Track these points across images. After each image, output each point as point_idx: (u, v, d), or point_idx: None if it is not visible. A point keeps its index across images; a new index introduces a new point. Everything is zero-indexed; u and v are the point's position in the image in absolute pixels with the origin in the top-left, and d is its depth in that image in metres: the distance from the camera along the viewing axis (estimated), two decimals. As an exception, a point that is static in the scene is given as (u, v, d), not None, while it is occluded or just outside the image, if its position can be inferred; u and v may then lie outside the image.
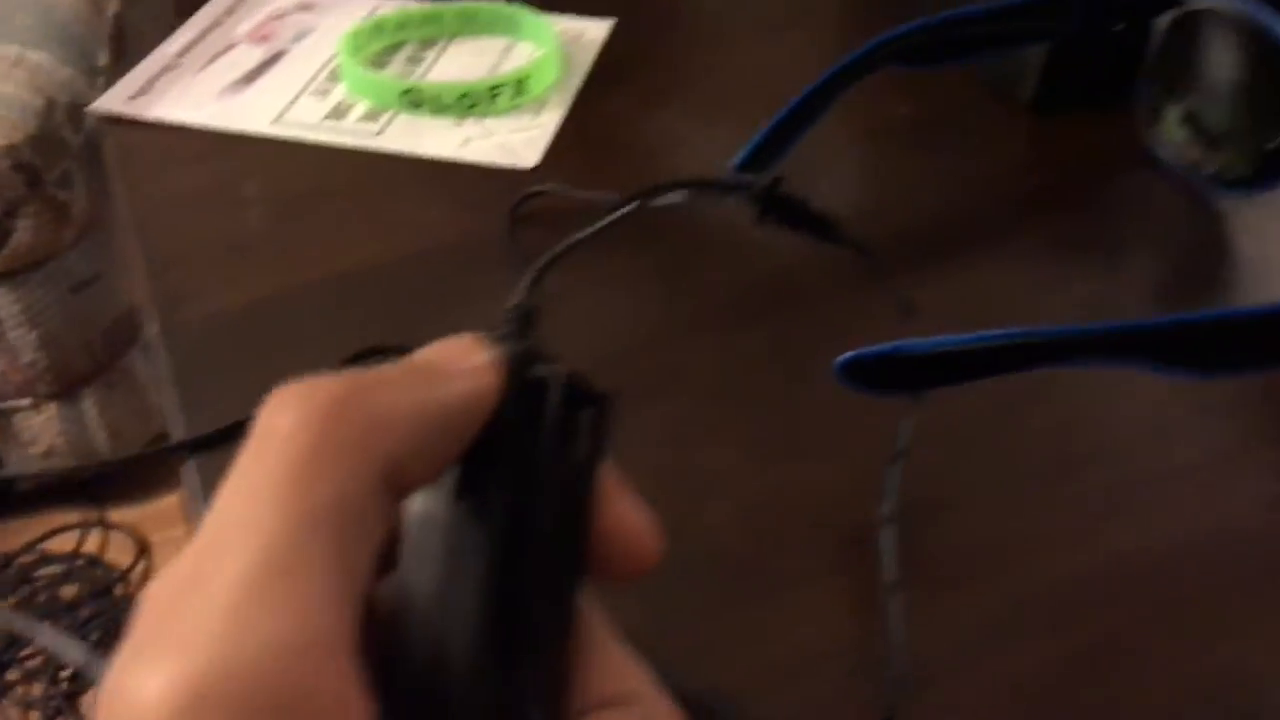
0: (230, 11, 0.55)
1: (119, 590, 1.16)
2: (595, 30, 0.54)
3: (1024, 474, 0.34)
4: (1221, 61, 0.41)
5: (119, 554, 1.18)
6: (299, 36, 0.53)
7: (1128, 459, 0.34)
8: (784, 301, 0.39)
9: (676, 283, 0.41)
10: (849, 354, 0.30)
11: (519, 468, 0.18)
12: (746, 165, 0.40)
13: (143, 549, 1.19)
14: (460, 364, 0.18)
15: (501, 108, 0.49)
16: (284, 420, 0.16)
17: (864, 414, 0.34)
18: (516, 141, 0.47)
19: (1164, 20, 0.42)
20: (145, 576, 1.17)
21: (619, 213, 0.27)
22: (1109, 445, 0.35)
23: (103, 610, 1.14)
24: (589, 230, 0.25)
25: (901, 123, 0.48)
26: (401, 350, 0.43)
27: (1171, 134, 0.44)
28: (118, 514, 1.21)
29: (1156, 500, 0.33)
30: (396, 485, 0.17)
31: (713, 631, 0.30)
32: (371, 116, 0.48)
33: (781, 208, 0.35)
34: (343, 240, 0.43)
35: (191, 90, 0.50)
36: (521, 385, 0.19)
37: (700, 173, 0.44)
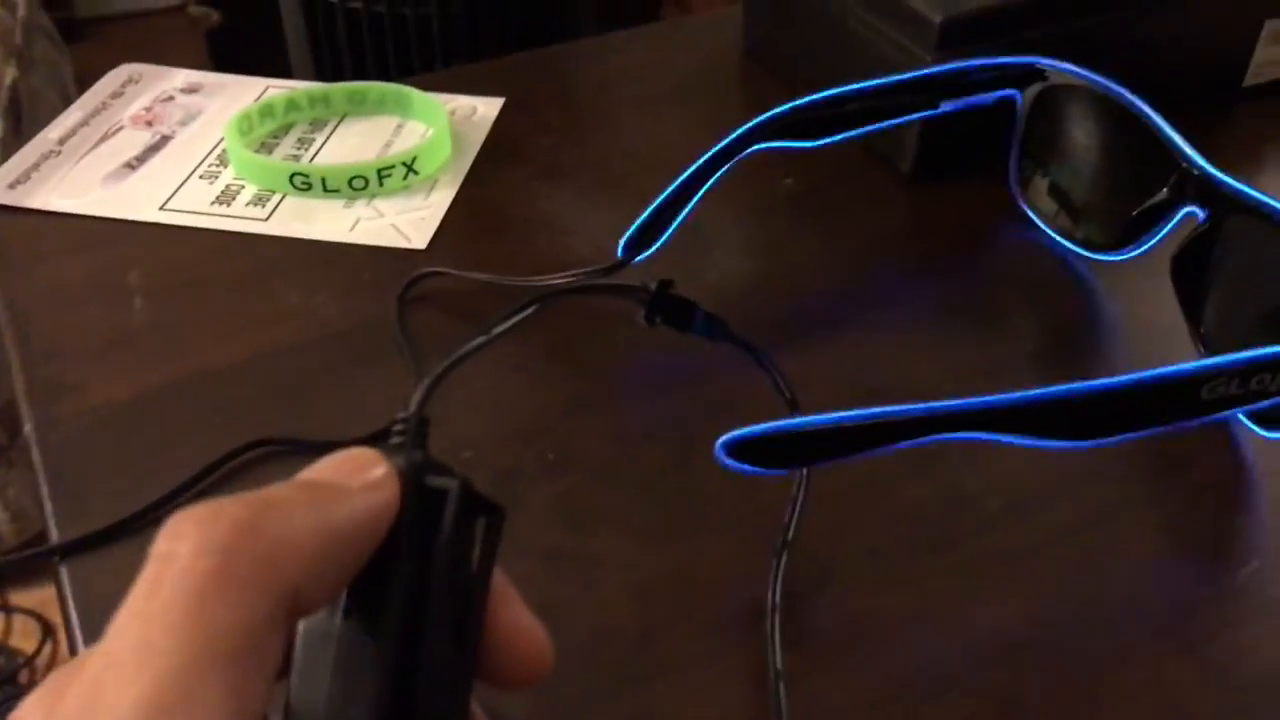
0: (116, 95, 0.55)
1: (23, 677, 1.12)
2: (486, 108, 0.54)
3: (905, 545, 0.34)
4: (1081, 133, 0.43)
5: (22, 639, 1.14)
6: (186, 120, 0.53)
7: (1012, 522, 0.35)
8: (674, 381, 0.40)
9: (567, 363, 0.41)
10: (729, 434, 0.30)
11: (414, 580, 0.18)
12: (631, 245, 0.41)
13: (48, 633, 1.15)
14: (358, 479, 0.18)
15: (392, 189, 0.49)
16: (183, 548, 0.16)
17: (753, 492, 0.34)
18: (406, 223, 0.47)
19: (1029, 93, 0.44)
20: (51, 662, 1.13)
21: (515, 318, 0.27)
22: (989, 512, 0.35)
23: (7, 699, 1.09)
24: (484, 339, 0.26)
25: (785, 195, 0.49)
26: (290, 442, 0.42)
27: (1041, 203, 0.46)
28: (20, 597, 1.17)
29: (1038, 566, 0.34)
30: (295, 610, 0.17)
31: (602, 716, 0.30)
32: (260, 200, 0.48)
33: (669, 310, 0.35)
34: (230, 328, 0.42)
35: (73, 177, 0.49)
36: (419, 497, 0.19)
37: (591, 252, 0.44)
